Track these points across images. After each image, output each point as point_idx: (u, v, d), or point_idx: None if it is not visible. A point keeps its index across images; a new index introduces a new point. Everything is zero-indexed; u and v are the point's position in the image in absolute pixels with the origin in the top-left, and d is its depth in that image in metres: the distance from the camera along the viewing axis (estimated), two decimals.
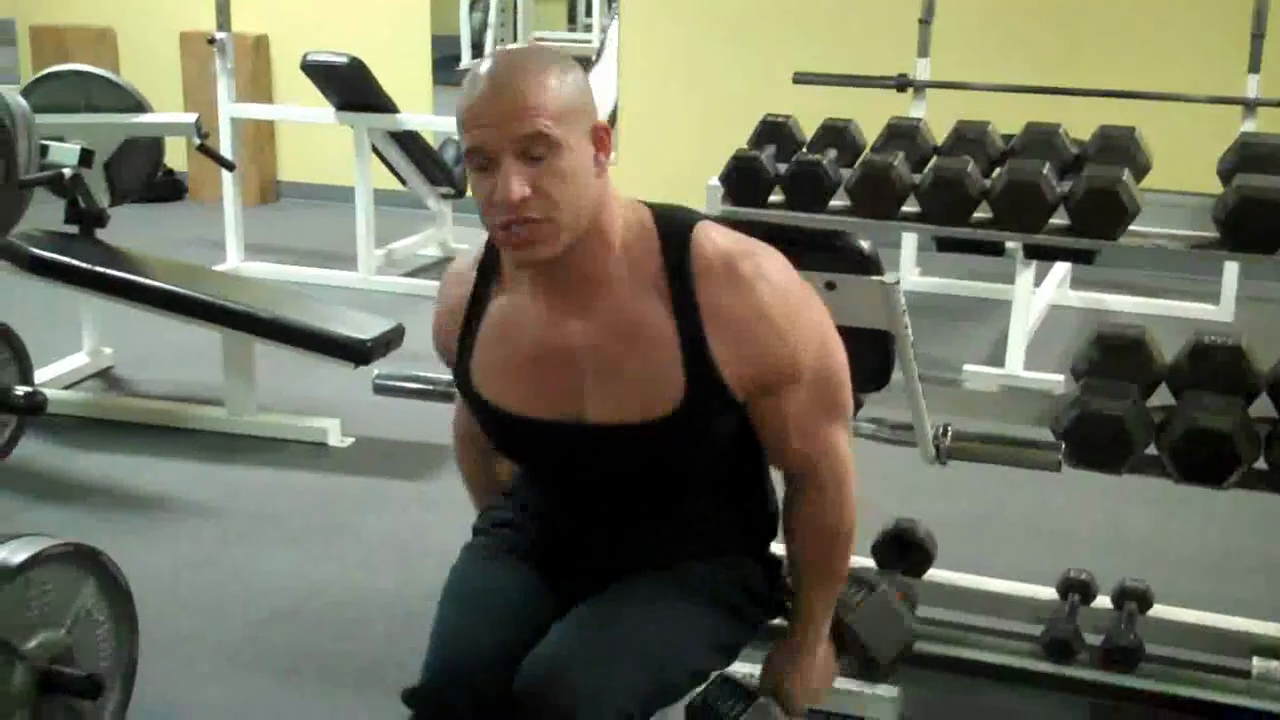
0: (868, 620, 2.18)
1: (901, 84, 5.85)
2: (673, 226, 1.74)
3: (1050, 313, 5.66)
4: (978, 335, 5.54)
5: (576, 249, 1.68)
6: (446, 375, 2.66)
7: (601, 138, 1.68)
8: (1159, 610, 2.88)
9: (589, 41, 9.84)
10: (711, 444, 1.81)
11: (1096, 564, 3.05)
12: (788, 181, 2.88)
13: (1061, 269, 5.92)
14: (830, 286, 2.19)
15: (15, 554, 2.28)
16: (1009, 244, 4.55)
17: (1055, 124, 2.89)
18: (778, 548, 2.04)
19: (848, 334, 2.22)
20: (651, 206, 1.78)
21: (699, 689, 1.94)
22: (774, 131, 3.06)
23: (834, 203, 2.89)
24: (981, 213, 2.79)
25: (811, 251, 2.13)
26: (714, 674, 1.96)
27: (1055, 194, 2.68)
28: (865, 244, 2.17)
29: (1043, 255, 4.76)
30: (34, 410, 2.28)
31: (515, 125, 1.59)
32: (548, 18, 12.20)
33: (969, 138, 2.92)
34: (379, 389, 2.74)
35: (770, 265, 1.74)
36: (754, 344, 1.72)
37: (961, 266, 6.08)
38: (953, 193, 2.72)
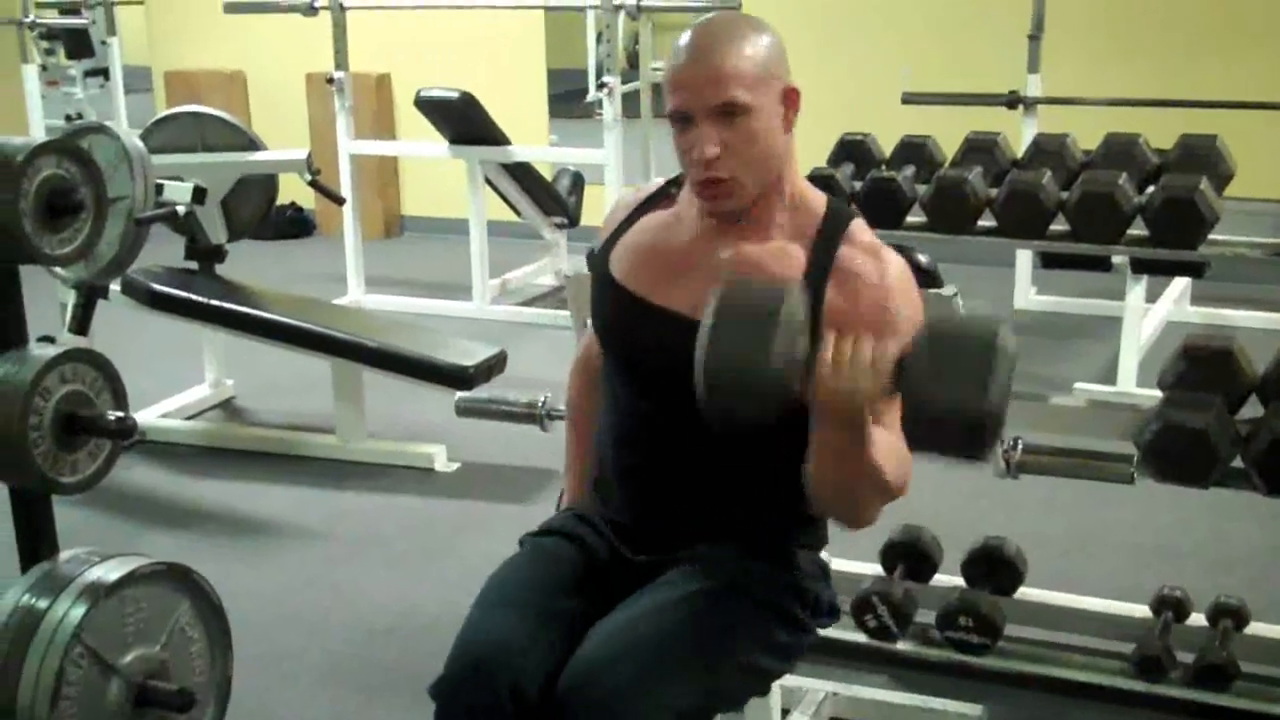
0: None
1: (1012, 101, 5.79)
2: (840, 207, 1.96)
3: (1169, 329, 5.53)
4: (1093, 353, 5.45)
5: (759, 197, 1.88)
6: (526, 398, 2.74)
7: (791, 98, 1.86)
8: (1255, 628, 2.81)
9: None
10: None
11: (1200, 582, 2.99)
12: (862, 198, 2.89)
13: (1180, 284, 5.79)
14: None
15: (110, 572, 2.38)
16: (1115, 259, 4.48)
17: (1135, 134, 2.85)
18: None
19: None
20: (829, 194, 2.01)
21: None
22: (852, 150, 3.07)
23: (910, 218, 2.89)
24: (1060, 225, 2.76)
25: None
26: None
27: (1132, 204, 2.65)
28: (924, 257, 2.19)
29: (1149, 269, 4.67)
30: (123, 434, 2.37)
31: (711, 93, 1.79)
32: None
33: (1048, 150, 2.89)
34: (461, 411, 2.81)
35: (903, 268, 1.92)
36: (857, 298, 1.85)
37: (1078, 284, 5.98)
38: (1028, 205, 2.71)
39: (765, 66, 1.81)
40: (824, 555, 2.11)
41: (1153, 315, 5.42)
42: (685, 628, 1.81)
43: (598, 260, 2.03)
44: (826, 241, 1.88)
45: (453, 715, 1.82)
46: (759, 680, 1.96)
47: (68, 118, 10.09)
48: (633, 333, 1.97)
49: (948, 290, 2.16)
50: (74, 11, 9.08)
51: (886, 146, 3.25)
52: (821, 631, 2.06)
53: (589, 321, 2.10)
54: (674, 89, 1.83)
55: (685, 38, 1.83)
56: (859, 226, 1.92)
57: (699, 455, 1.92)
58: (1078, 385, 4.88)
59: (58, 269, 3.79)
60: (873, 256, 1.88)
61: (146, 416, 4.57)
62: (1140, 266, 4.62)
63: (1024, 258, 6.09)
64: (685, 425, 1.87)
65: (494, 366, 4.20)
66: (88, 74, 10.69)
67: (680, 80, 1.82)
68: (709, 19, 1.86)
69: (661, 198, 2.03)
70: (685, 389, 1.84)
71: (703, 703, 1.81)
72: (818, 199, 1.95)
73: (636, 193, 2.08)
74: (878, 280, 1.86)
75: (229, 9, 6.53)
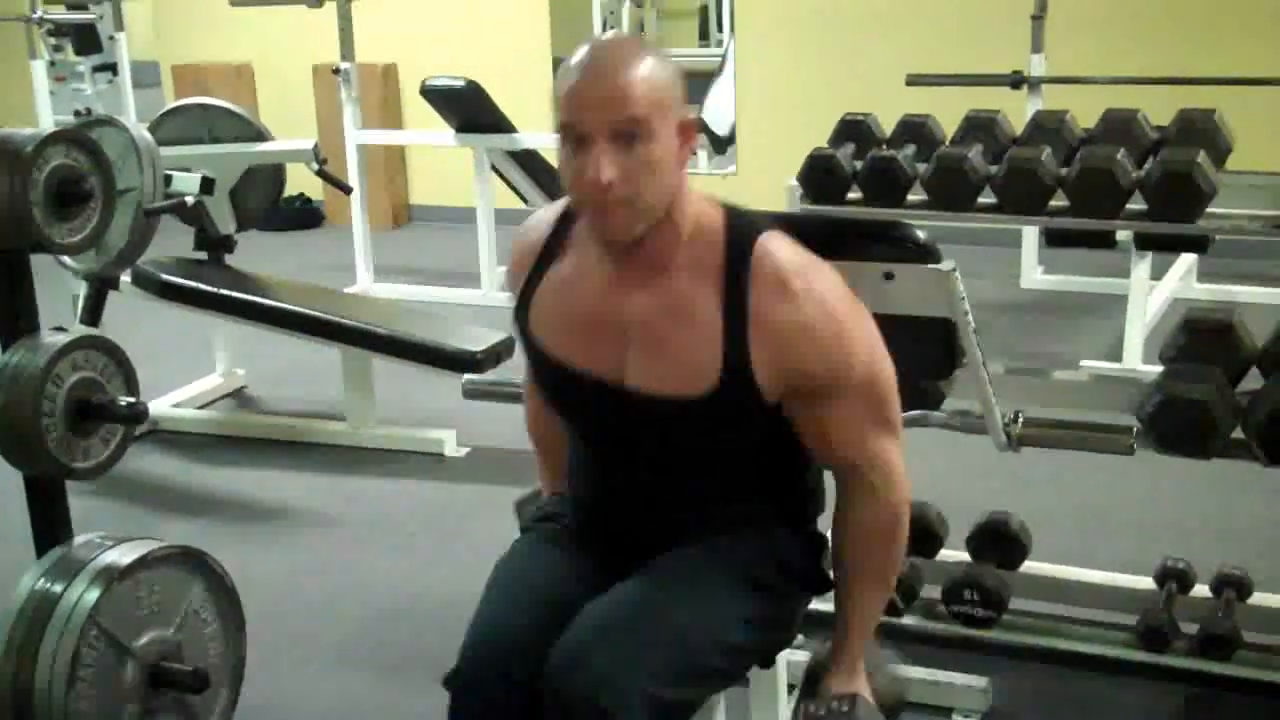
0: None
1: (1016, 81, 5.80)
2: (740, 230, 1.81)
3: (1175, 306, 5.53)
4: (1100, 331, 5.46)
5: (648, 233, 1.77)
6: None
7: (687, 132, 1.76)
8: (1258, 598, 2.83)
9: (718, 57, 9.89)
10: (740, 433, 1.86)
11: (1206, 555, 3.01)
12: (864, 178, 2.91)
13: (1186, 261, 5.80)
14: (888, 277, 2.21)
15: (125, 556, 2.41)
16: (1119, 236, 4.48)
17: (1134, 109, 2.87)
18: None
19: (909, 323, 2.26)
20: (726, 207, 1.85)
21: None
22: (853, 130, 3.09)
23: (911, 197, 2.91)
24: (1060, 201, 2.78)
25: (869, 243, 2.15)
26: (759, 654, 2.00)
27: (1130, 179, 2.66)
28: (921, 233, 2.19)
29: (1152, 245, 4.68)
30: (135, 419, 2.40)
31: (611, 110, 1.68)
32: (680, 33, 12.30)
33: (1047, 127, 2.91)
34: (468, 393, 2.83)
35: (822, 283, 1.79)
36: (792, 357, 1.77)
37: (1085, 263, 6.00)
38: (1027, 182, 2.72)
39: (666, 92, 1.72)
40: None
41: (1159, 292, 5.44)
42: (660, 608, 1.80)
43: (520, 321, 1.96)
44: (734, 277, 1.77)
45: (468, 707, 1.81)
46: (743, 656, 1.93)
47: (76, 113, 10.10)
48: (567, 397, 1.95)
49: (945, 265, 2.17)
50: (81, 7, 9.11)
51: (890, 127, 3.27)
52: (825, 605, 2.08)
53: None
54: (571, 106, 1.71)
55: (582, 53, 1.73)
56: (762, 251, 1.78)
57: (660, 488, 1.92)
58: (1084, 363, 4.90)
59: (68, 260, 3.83)
60: (783, 298, 1.76)
61: (159, 406, 4.61)
62: (1143, 242, 4.63)
63: (1030, 236, 6.12)
64: (636, 470, 1.91)
65: (502, 352, 4.22)
66: (96, 69, 10.67)
67: (576, 97, 1.70)
68: (607, 38, 1.80)
69: (569, 225, 1.92)
70: (627, 446, 1.89)
71: (685, 684, 1.79)
72: (714, 222, 1.82)
73: (548, 215, 1.97)
74: (800, 328, 1.75)
75: (235, 2, 6.56)
